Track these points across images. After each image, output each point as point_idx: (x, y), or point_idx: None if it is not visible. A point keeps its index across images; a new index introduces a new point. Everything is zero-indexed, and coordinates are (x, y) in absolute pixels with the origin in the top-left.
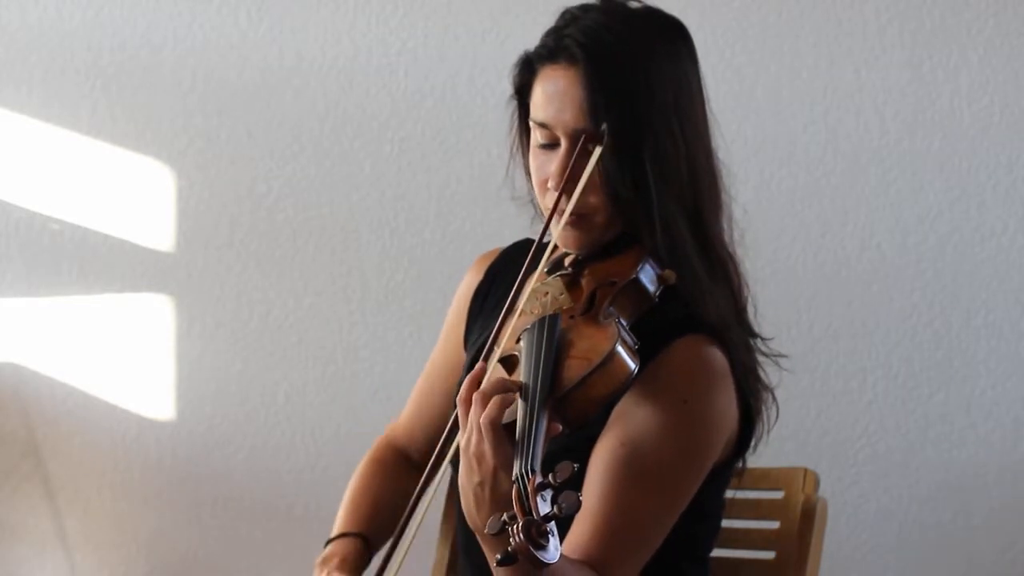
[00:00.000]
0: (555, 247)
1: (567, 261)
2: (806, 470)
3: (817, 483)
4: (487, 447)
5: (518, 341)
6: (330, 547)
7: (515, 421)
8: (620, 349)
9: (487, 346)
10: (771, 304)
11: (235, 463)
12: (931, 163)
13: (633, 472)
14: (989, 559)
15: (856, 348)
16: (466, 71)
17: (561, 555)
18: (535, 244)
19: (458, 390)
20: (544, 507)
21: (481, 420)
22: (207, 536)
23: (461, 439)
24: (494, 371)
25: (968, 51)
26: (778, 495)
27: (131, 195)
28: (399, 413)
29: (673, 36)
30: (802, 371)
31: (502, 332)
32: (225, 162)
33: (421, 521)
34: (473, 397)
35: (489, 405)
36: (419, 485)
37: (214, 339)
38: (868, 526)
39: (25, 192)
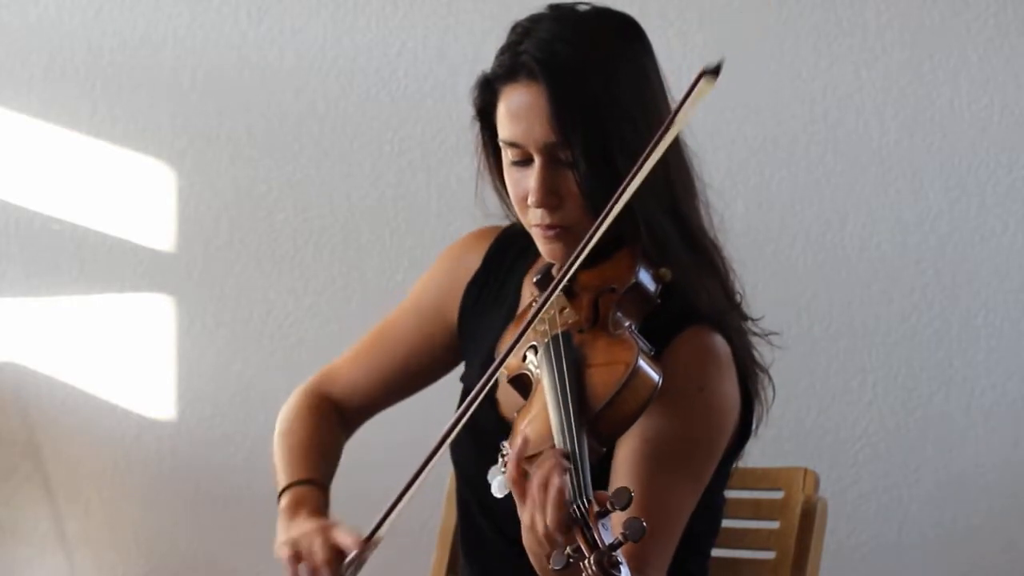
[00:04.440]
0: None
1: (555, 270)
2: (806, 470)
3: (817, 483)
4: (557, 533)
5: (524, 359)
6: (291, 495)
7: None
8: (643, 363)
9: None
10: (771, 304)
11: (235, 463)
12: (931, 163)
13: (661, 464)
14: (989, 559)
15: (856, 348)
16: (466, 71)
17: None
18: (556, 281)
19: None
20: (607, 536)
21: (549, 515)
22: (207, 536)
23: (523, 516)
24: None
25: (968, 51)
26: (778, 495)
27: (131, 195)
28: (397, 413)
29: (627, 34)
30: (802, 371)
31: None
32: (225, 162)
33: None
34: (535, 484)
35: (552, 495)
36: (408, 481)
37: (214, 339)
38: (868, 526)
39: (25, 192)
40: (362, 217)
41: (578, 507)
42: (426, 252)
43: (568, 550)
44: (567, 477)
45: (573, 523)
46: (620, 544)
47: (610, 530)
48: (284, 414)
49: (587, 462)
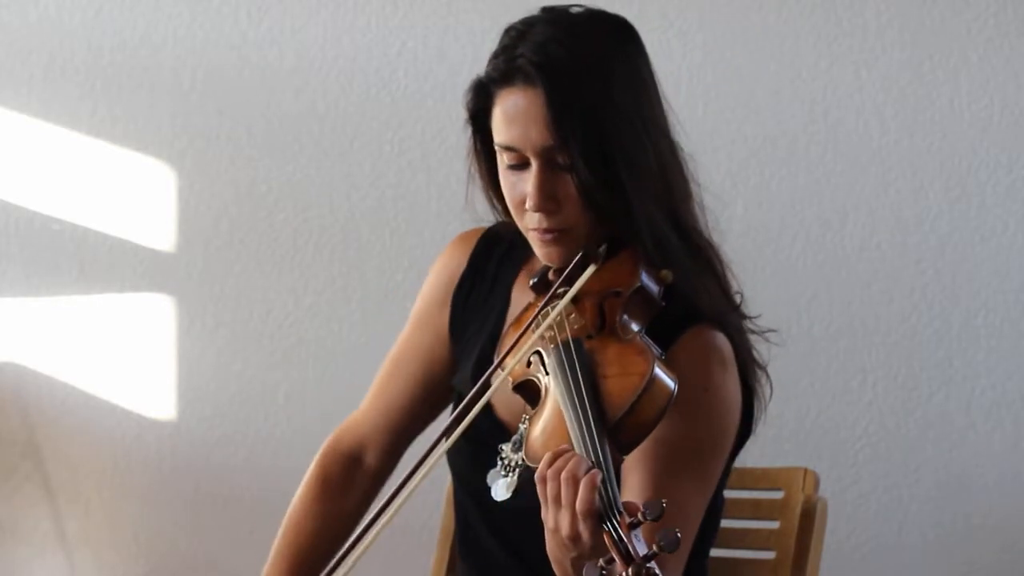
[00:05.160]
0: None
1: (551, 275)
2: (806, 470)
3: (817, 483)
4: (584, 531)
5: (529, 365)
6: None
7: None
8: (659, 370)
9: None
10: (771, 304)
11: (235, 463)
12: (931, 163)
13: (671, 466)
14: (989, 559)
15: (856, 348)
16: (466, 71)
17: None
18: (554, 279)
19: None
20: (641, 547)
21: (578, 508)
22: (207, 536)
23: (547, 518)
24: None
25: (968, 51)
26: (778, 495)
27: (131, 195)
28: None
29: (621, 36)
30: (802, 371)
31: (508, 361)
32: (225, 162)
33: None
34: (562, 478)
35: (582, 490)
36: (394, 490)
37: (214, 339)
38: (868, 526)
39: (25, 192)
40: (362, 217)
41: (610, 518)
42: (426, 252)
43: (601, 562)
44: (598, 484)
45: (604, 532)
46: (655, 555)
47: (643, 541)
48: (296, 496)
49: (612, 473)
